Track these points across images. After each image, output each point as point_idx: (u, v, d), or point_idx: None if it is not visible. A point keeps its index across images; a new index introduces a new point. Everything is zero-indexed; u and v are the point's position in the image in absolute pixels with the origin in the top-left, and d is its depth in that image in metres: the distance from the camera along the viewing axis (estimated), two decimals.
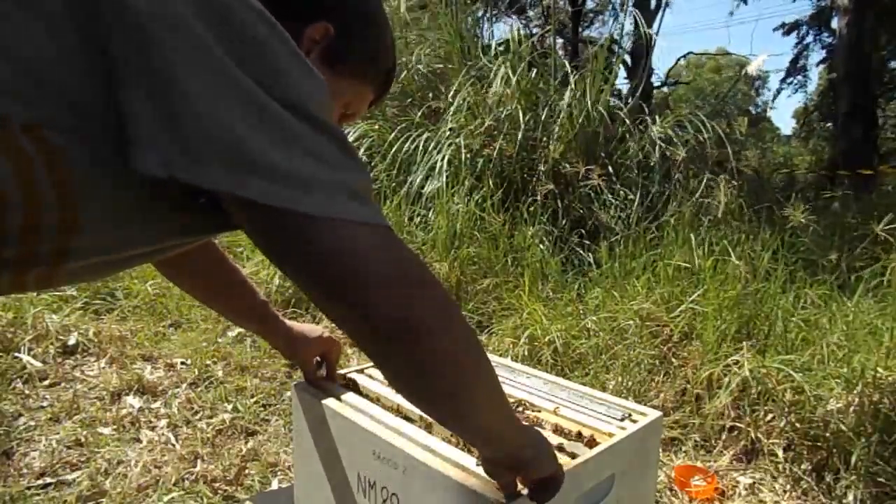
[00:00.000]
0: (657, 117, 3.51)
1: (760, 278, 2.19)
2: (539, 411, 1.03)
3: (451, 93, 3.48)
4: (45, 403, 1.80)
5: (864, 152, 8.82)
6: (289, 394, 1.93)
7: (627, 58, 8.04)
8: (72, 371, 2.02)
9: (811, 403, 1.65)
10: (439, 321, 0.53)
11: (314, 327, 1.10)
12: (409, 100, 3.89)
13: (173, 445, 1.64)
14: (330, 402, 1.01)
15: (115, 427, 1.70)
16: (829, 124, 13.49)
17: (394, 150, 3.32)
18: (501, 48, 3.87)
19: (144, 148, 0.46)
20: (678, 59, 16.03)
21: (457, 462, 0.82)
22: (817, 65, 15.37)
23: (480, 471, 0.77)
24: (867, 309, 2.01)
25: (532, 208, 2.97)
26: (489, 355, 0.68)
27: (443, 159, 3.13)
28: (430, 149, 3.25)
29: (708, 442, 1.77)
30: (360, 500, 0.95)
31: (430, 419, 0.92)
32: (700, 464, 1.68)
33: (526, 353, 2.16)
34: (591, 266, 2.70)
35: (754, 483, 1.61)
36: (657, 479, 1.45)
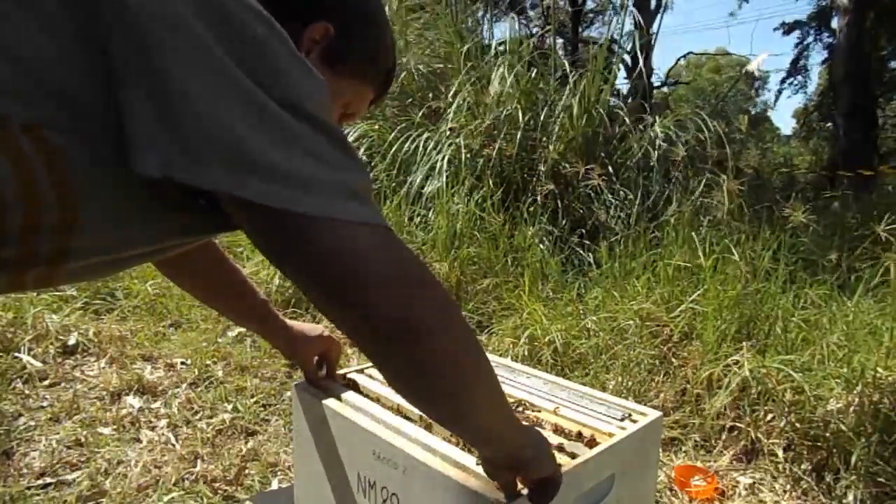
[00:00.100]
0: (657, 117, 3.51)
1: (760, 278, 2.19)
2: (539, 411, 1.03)
3: (451, 93, 3.48)
4: (45, 403, 1.80)
5: (864, 152, 8.83)
6: (289, 394, 1.93)
7: (627, 58, 8.05)
8: (72, 371, 2.02)
9: (811, 403, 1.65)
10: (439, 321, 0.53)
11: (314, 326, 1.10)
12: (409, 100, 3.89)
13: (173, 445, 1.64)
14: (330, 402, 1.01)
15: (115, 427, 1.70)
16: (829, 124, 13.49)
17: (394, 150, 3.32)
18: (502, 48, 3.87)
19: (144, 148, 0.46)
20: (678, 59, 16.05)
21: (457, 462, 0.82)
22: (822, 63, 15.36)
23: (480, 470, 0.77)
24: (867, 309, 2.01)
25: (532, 208, 2.97)
26: (489, 355, 0.68)
27: (443, 159, 3.13)
28: (430, 149, 3.25)
29: (708, 442, 1.77)
30: (360, 500, 0.95)
31: (429, 419, 0.92)
32: (700, 464, 1.68)
33: (526, 353, 2.16)
34: (591, 266, 2.70)
35: (754, 483, 1.61)
36: (657, 479, 1.45)
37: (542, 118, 3.35)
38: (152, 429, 1.72)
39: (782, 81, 15.37)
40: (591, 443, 0.91)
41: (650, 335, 2.06)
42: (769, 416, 1.71)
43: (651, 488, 1.07)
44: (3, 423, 1.67)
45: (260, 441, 1.69)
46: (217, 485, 1.49)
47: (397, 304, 0.50)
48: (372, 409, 0.98)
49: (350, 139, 1.52)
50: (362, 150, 3.52)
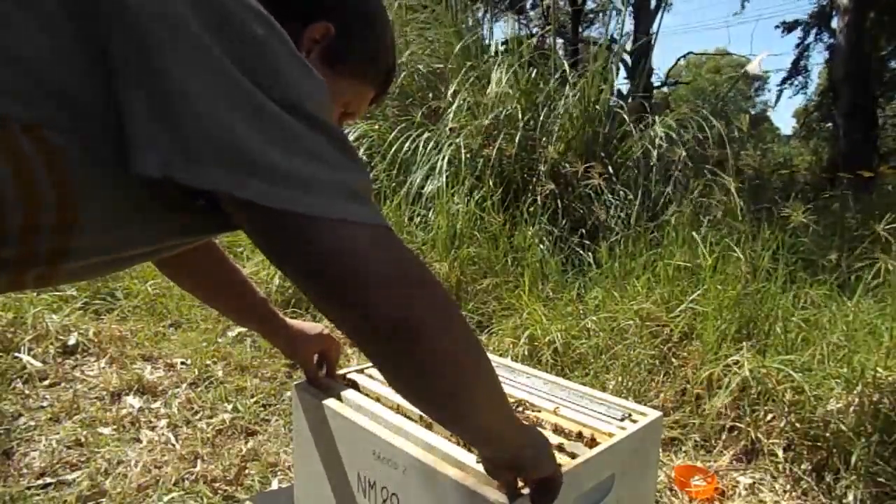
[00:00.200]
0: (657, 117, 3.51)
1: (760, 278, 2.19)
2: (539, 411, 1.03)
3: (451, 92, 3.48)
4: (45, 403, 1.80)
5: (864, 153, 8.82)
6: (289, 394, 1.93)
7: (627, 58, 8.05)
8: (72, 371, 2.02)
9: (811, 403, 1.65)
10: (439, 321, 0.53)
11: (314, 325, 1.10)
12: (409, 100, 3.89)
13: (173, 445, 1.64)
14: (330, 402, 1.01)
15: (115, 427, 1.70)
16: (829, 125, 13.49)
17: (394, 150, 3.32)
18: (502, 48, 3.87)
19: (144, 148, 0.46)
20: (678, 59, 16.07)
21: (457, 462, 0.82)
22: (825, 62, 15.34)
23: (480, 468, 0.77)
24: (867, 309, 2.01)
25: (532, 208, 2.97)
26: (489, 355, 0.68)
27: (443, 159, 3.13)
28: (430, 149, 3.25)
29: (708, 442, 1.77)
30: (360, 500, 0.95)
31: (430, 419, 0.92)
32: (700, 464, 1.68)
33: (526, 353, 2.16)
34: (591, 266, 2.70)
35: (754, 483, 1.61)
36: (657, 479, 1.45)
37: (541, 118, 3.35)
38: (152, 429, 1.72)
39: (783, 82, 15.38)
40: (591, 443, 0.91)
41: (650, 335, 2.06)
42: (769, 416, 1.71)
43: (651, 488, 1.07)
44: (3, 423, 1.67)
45: (260, 441, 1.69)
46: (217, 485, 1.49)
47: (397, 305, 0.50)
48: (372, 408, 0.98)
49: (350, 139, 1.52)
50: (362, 150, 3.52)
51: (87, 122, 0.47)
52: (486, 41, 4.19)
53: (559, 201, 3.04)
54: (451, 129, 3.26)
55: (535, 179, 3.16)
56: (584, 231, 2.98)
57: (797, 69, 15.13)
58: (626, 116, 3.39)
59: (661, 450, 1.63)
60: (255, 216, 0.50)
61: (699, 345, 1.99)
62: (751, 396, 1.75)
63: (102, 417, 1.74)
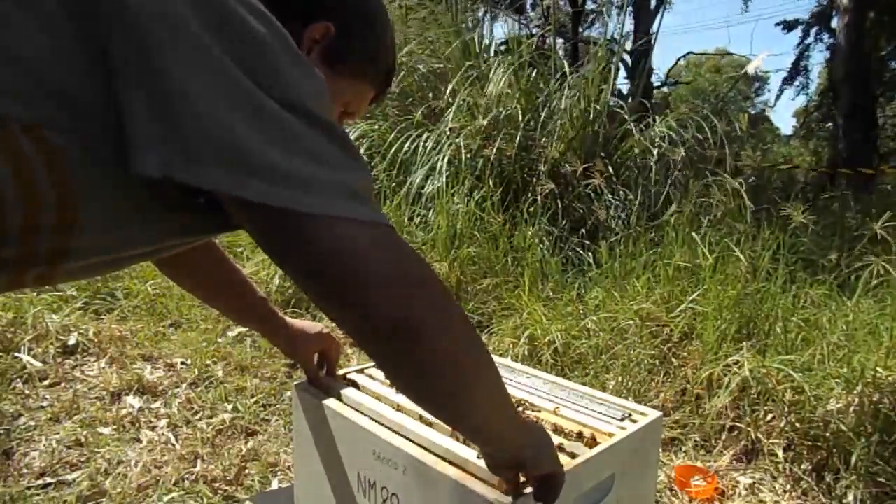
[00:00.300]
0: (657, 117, 3.51)
1: (760, 278, 2.19)
2: (539, 411, 1.03)
3: (450, 92, 3.48)
4: (45, 403, 1.80)
5: (864, 153, 8.83)
6: (289, 394, 1.93)
7: (627, 58, 8.05)
8: (72, 371, 2.02)
9: (811, 403, 1.65)
10: (439, 321, 0.53)
11: (314, 324, 1.10)
12: (409, 100, 3.89)
13: (173, 445, 1.64)
14: (330, 402, 1.01)
15: (115, 427, 1.70)
16: (829, 124, 13.49)
17: (394, 150, 3.32)
18: (502, 48, 3.87)
19: (144, 148, 0.46)
20: (678, 59, 16.08)
21: (457, 462, 0.82)
22: (825, 62, 15.32)
23: (481, 464, 0.77)
24: (867, 309, 2.01)
25: (532, 208, 2.97)
26: None
27: (443, 159, 3.13)
28: (430, 149, 3.25)
29: (708, 442, 1.77)
30: (360, 500, 0.95)
31: (430, 419, 0.92)
32: (700, 464, 1.68)
33: (526, 353, 2.16)
34: (591, 266, 2.70)
35: (754, 483, 1.61)
36: (657, 479, 1.45)
37: (541, 118, 3.35)
38: (152, 429, 1.72)
39: (783, 82, 15.36)
40: (591, 443, 0.91)
41: (650, 335, 2.06)
42: (769, 416, 1.71)
43: (651, 488, 1.07)
44: (3, 423, 1.67)
45: (260, 441, 1.69)
46: (217, 485, 1.49)
47: (397, 304, 0.50)
48: (372, 409, 0.98)
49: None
50: (362, 149, 3.52)
51: (87, 122, 0.47)
52: (486, 41, 4.19)
53: (559, 201, 3.04)
54: (450, 129, 3.26)
55: (534, 179, 3.16)
56: (584, 231, 2.98)
57: (797, 69, 15.12)
58: (626, 116, 3.39)
59: (661, 450, 1.63)
60: (255, 216, 0.50)
61: (699, 345, 1.99)
62: (751, 396, 1.74)
63: (102, 417, 1.74)
